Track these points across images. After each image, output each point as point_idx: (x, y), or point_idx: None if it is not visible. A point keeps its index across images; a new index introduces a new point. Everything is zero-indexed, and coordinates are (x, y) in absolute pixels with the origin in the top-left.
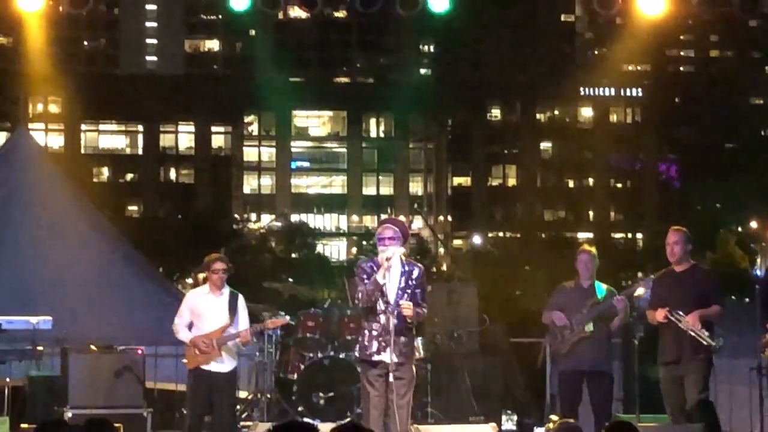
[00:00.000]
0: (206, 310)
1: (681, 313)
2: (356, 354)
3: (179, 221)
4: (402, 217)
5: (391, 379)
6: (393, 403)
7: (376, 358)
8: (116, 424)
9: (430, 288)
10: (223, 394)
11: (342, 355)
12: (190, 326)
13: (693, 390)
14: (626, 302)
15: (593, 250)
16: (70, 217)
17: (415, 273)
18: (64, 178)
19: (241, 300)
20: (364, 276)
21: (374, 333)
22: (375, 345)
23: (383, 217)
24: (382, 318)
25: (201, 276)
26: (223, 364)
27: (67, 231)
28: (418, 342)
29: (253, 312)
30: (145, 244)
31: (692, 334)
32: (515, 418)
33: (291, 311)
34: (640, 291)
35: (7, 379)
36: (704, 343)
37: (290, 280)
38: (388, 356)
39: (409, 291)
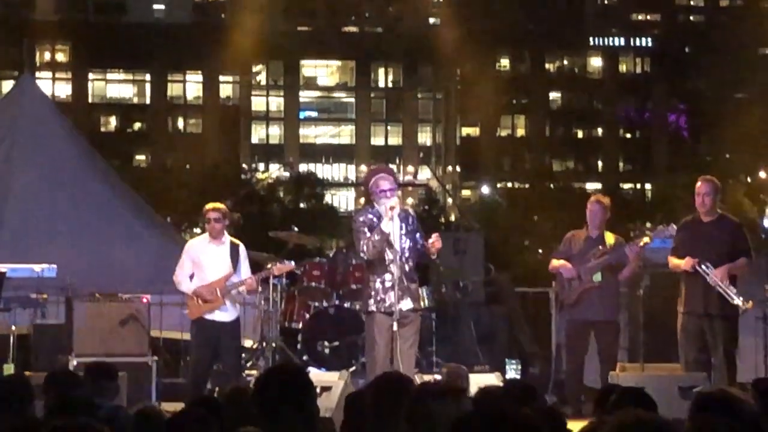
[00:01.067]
0: (207, 259)
1: (710, 265)
2: (372, 308)
3: (187, 171)
4: (410, 167)
5: (395, 327)
6: (398, 352)
7: (395, 308)
8: (121, 373)
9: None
10: (229, 343)
11: (347, 304)
12: (191, 277)
13: (718, 344)
14: (635, 252)
15: (605, 200)
16: (75, 166)
17: (410, 218)
18: (69, 127)
19: (242, 249)
20: (365, 228)
21: (387, 284)
22: (392, 295)
23: (392, 167)
24: (392, 267)
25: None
26: (227, 313)
27: (73, 179)
28: (424, 291)
29: (258, 261)
30: (153, 194)
31: (719, 290)
32: (520, 367)
33: (296, 261)
34: (645, 240)
35: (13, 327)
36: (731, 301)
37: (296, 229)
38: (403, 304)
39: (410, 236)
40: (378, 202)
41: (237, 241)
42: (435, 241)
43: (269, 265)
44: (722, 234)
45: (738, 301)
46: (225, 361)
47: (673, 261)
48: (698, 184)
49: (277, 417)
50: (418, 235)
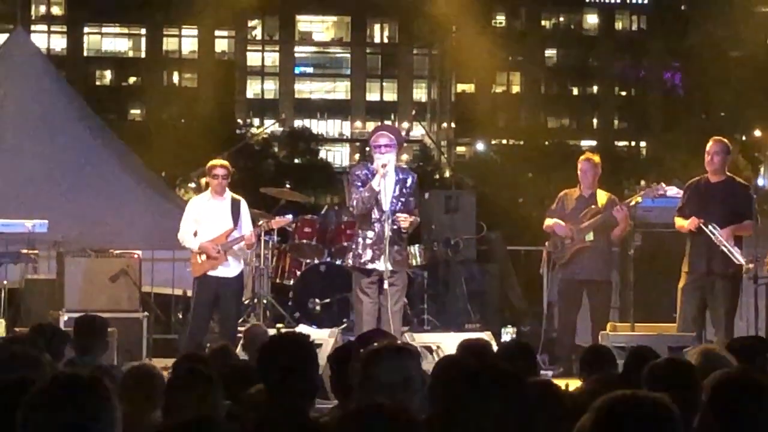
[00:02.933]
0: (209, 216)
1: (716, 226)
2: (349, 261)
3: (182, 125)
4: (405, 124)
5: (385, 286)
6: (387, 310)
7: (370, 266)
8: (111, 329)
9: (427, 195)
10: (231, 299)
11: (338, 262)
12: (195, 234)
13: (717, 302)
14: (624, 213)
15: (595, 158)
16: (67, 121)
17: (409, 181)
18: (61, 81)
19: (243, 205)
20: (359, 183)
21: (368, 241)
22: (369, 253)
23: (386, 123)
24: (377, 226)
25: (203, 181)
26: (229, 269)
27: (65, 135)
28: (415, 249)
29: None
30: (147, 149)
31: (724, 249)
32: (513, 329)
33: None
34: (637, 199)
35: (4, 282)
36: (736, 261)
37: (288, 185)
38: (382, 264)
39: (403, 199)
40: (374, 158)
41: (238, 197)
42: (401, 219)
43: (261, 222)
44: (729, 195)
45: (742, 260)
46: (225, 321)
47: (679, 221)
48: (709, 143)
49: (282, 386)
50: (412, 200)
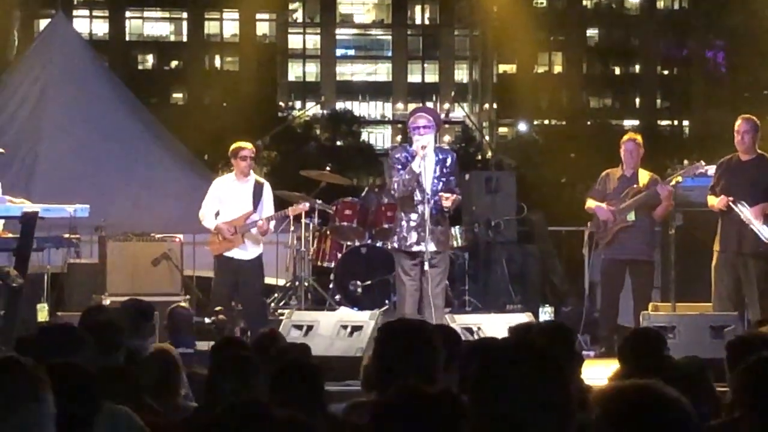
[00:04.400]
0: (231, 197)
1: (745, 204)
2: (394, 245)
3: (224, 109)
4: (446, 105)
5: (426, 267)
6: (428, 292)
7: (415, 248)
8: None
9: (468, 176)
10: (249, 281)
11: (379, 244)
12: (217, 215)
13: (752, 282)
14: (666, 192)
15: (638, 137)
16: (108, 106)
17: (449, 160)
18: (102, 66)
19: (266, 188)
20: (399, 166)
21: (412, 224)
22: (414, 236)
23: (428, 105)
24: (420, 208)
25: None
26: (246, 251)
27: (106, 120)
28: (456, 230)
29: (290, 200)
30: (189, 132)
31: (752, 228)
32: (552, 309)
33: (329, 200)
34: (677, 179)
35: (47, 266)
36: (765, 240)
37: (328, 168)
38: (425, 246)
39: (444, 179)
40: (413, 140)
41: (262, 180)
42: (444, 198)
43: (294, 206)
44: (760, 173)
45: None
46: (247, 304)
47: (710, 199)
48: (738, 122)
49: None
50: (452, 179)
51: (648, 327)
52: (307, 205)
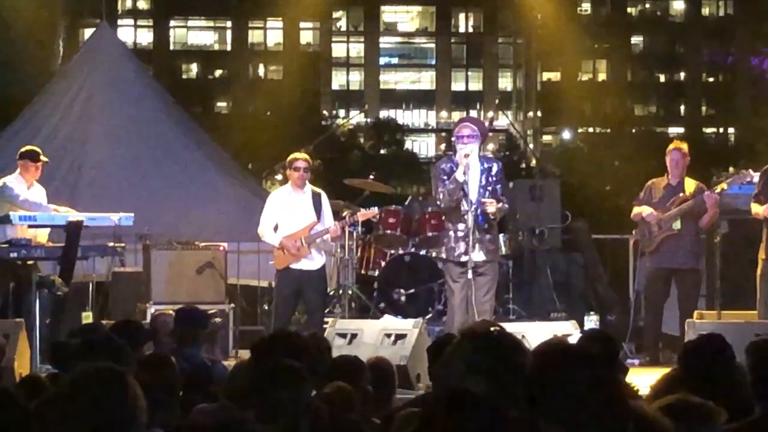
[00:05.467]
0: (291, 209)
1: None
2: (443, 255)
3: (268, 118)
4: (490, 113)
5: (469, 276)
6: (472, 300)
7: (464, 258)
8: (218, 318)
9: (512, 184)
10: (315, 291)
11: (423, 252)
12: (276, 228)
13: None
14: (712, 200)
15: (684, 146)
16: (152, 115)
17: (494, 169)
18: (147, 75)
19: (324, 197)
20: (444, 176)
21: (460, 234)
22: (462, 246)
23: (472, 113)
24: (466, 218)
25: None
26: (313, 261)
27: (150, 128)
28: (501, 239)
29: (334, 209)
30: (233, 141)
31: None
32: (597, 317)
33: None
34: (722, 186)
35: (92, 275)
36: None
37: (372, 177)
38: (475, 255)
39: (489, 188)
40: (457, 149)
41: (318, 190)
42: (488, 204)
43: (345, 213)
44: None
45: None
46: (310, 308)
47: (755, 207)
48: None
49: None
50: (499, 187)
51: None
52: (376, 209)
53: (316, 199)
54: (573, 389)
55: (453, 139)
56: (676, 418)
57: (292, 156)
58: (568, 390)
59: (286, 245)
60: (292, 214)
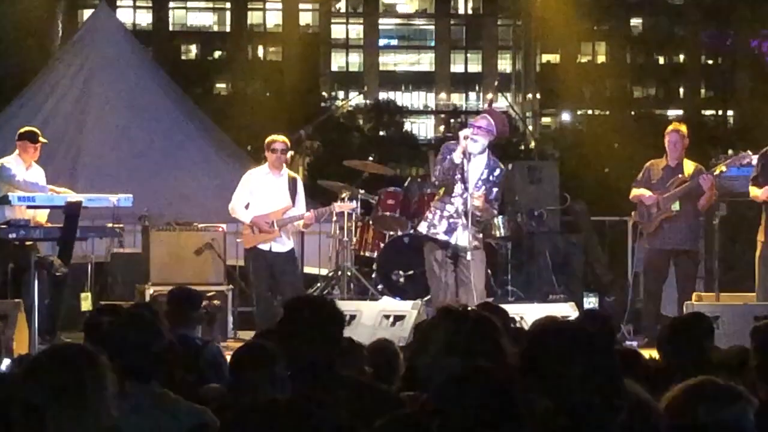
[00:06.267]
0: (265, 190)
1: None
2: (422, 230)
3: (267, 99)
4: (489, 95)
5: (468, 257)
6: (464, 283)
7: (441, 237)
8: (216, 301)
9: (511, 166)
10: (286, 274)
11: None
12: (247, 206)
13: None
14: (709, 182)
15: (682, 128)
16: (152, 96)
17: (497, 171)
18: (146, 56)
19: (299, 182)
20: (447, 155)
21: (446, 213)
22: (444, 225)
23: (471, 95)
24: (457, 201)
25: (289, 154)
26: (282, 245)
27: (149, 110)
28: (499, 220)
29: (333, 190)
30: (233, 123)
31: None
32: (596, 299)
33: (372, 190)
34: (721, 168)
35: (91, 256)
36: None
37: (371, 158)
38: (455, 238)
39: (487, 185)
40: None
41: (295, 174)
42: (476, 197)
43: (340, 197)
44: None
45: None
46: (285, 290)
47: (753, 190)
48: None
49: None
50: (494, 190)
51: (694, 313)
52: (353, 203)
53: (292, 184)
54: (567, 367)
55: (469, 124)
56: (703, 400)
57: (270, 138)
58: (562, 367)
59: (258, 223)
60: (267, 196)
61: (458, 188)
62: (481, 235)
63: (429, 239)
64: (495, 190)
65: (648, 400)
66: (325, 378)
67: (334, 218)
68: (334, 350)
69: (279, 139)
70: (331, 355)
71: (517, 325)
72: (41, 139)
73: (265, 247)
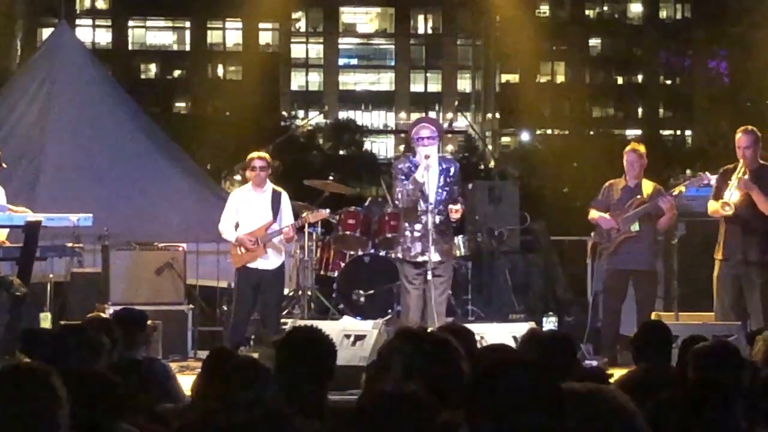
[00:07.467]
0: (249, 208)
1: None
2: (399, 255)
3: (227, 118)
4: (449, 115)
5: (429, 277)
6: (431, 301)
7: (420, 259)
8: (157, 321)
9: (471, 186)
10: (271, 291)
11: (382, 253)
12: (237, 226)
13: (755, 292)
14: (668, 203)
15: (641, 148)
16: (112, 115)
17: (452, 170)
18: (106, 75)
19: (284, 197)
20: (402, 176)
21: (416, 234)
22: (419, 246)
23: (431, 114)
24: (423, 218)
25: (248, 173)
26: (268, 261)
27: (109, 129)
28: (459, 240)
29: (293, 210)
30: (192, 141)
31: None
32: (555, 318)
33: (332, 209)
34: (680, 189)
35: (50, 275)
36: None
37: (331, 177)
38: (429, 256)
39: (447, 188)
40: (417, 150)
41: (279, 189)
42: (454, 211)
43: (304, 213)
44: (763, 182)
45: None
46: (266, 314)
47: (711, 206)
48: (738, 135)
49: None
50: (456, 188)
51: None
52: (327, 211)
53: (276, 199)
54: (510, 396)
55: (411, 138)
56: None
57: (250, 155)
58: (504, 396)
59: (243, 242)
60: (251, 213)
61: (421, 205)
62: (451, 242)
63: (406, 262)
64: (456, 188)
65: (623, 404)
66: (316, 407)
67: (307, 229)
68: (329, 382)
69: (257, 156)
70: (326, 387)
71: (479, 345)
72: (3, 164)
73: (253, 265)
